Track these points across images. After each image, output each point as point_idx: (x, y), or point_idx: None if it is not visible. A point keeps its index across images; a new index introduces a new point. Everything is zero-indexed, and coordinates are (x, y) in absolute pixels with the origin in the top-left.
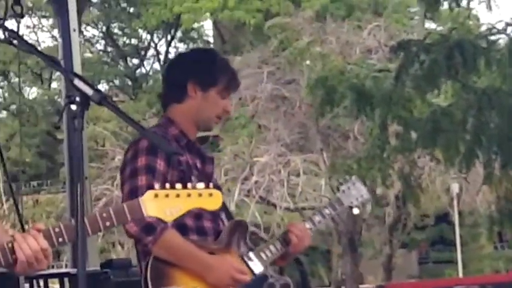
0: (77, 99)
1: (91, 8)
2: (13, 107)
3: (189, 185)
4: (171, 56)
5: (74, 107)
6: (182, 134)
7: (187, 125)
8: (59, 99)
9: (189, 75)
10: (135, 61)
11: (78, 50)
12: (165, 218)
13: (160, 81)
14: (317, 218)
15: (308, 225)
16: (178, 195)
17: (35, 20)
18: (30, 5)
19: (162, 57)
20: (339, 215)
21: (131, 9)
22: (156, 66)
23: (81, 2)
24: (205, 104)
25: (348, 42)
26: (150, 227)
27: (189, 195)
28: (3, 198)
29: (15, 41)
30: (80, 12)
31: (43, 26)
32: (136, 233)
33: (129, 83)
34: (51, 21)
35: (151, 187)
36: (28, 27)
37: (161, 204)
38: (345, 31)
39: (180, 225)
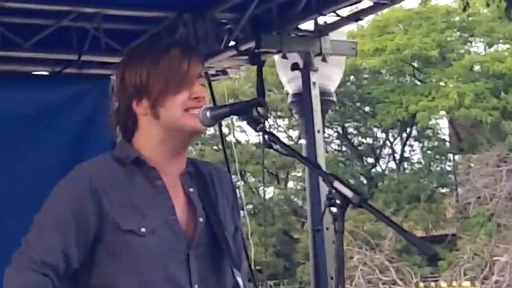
0: (337, 201)
1: None
2: (249, 206)
3: None
4: (407, 154)
5: (334, 209)
6: None
7: None
8: (295, 199)
9: None
10: (370, 160)
11: (322, 151)
12: None
13: (396, 181)
14: None
15: None
16: None
17: (271, 120)
18: None
19: (397, 156)
20: None
21: (366, 108)
22: (392, 165)
23: (325, 103)
24: None
25: None
26: None
27: None
28: None
29: (275, 145)
30: (323, 114)
31: (279, 126)
32: None
33: (364, 182)
34: (286, 121)
35: None
36: None
37: None
38: None
39: None
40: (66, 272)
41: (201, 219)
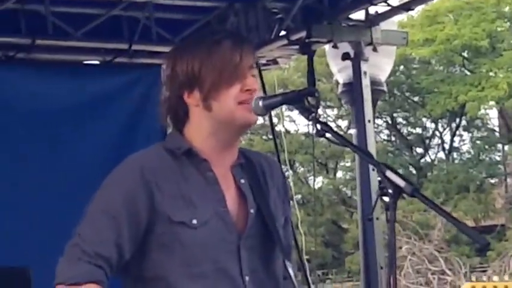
0: (390, 191)
1: None
2: (298, 196)
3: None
4: (456, 144)
5: (386, 198)
6: None
7: None
8: (343, 189)
9: None
10: (419, 150)
11: (373, 140)
12: None
13: (445, 171)
14: None
15: None
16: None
17: (320, 110)
18: None
19: (446, 146)
20: None
21: (415, 98)
22: (441, 155)
23: (376, 93)
24: None
25: None
26: None
27: (506, 287)
28: None
29: (328, 134)
30: (374, 103)
31: (328, 116)
32: None
33: (414, 171)
34: (335, 111)
35: None
36: None
37: None
38: None
39: None
40: (118, 264)
41: (252, 211)
